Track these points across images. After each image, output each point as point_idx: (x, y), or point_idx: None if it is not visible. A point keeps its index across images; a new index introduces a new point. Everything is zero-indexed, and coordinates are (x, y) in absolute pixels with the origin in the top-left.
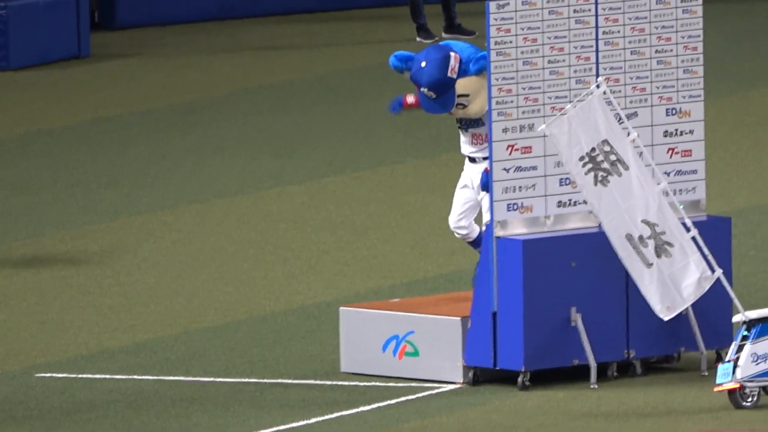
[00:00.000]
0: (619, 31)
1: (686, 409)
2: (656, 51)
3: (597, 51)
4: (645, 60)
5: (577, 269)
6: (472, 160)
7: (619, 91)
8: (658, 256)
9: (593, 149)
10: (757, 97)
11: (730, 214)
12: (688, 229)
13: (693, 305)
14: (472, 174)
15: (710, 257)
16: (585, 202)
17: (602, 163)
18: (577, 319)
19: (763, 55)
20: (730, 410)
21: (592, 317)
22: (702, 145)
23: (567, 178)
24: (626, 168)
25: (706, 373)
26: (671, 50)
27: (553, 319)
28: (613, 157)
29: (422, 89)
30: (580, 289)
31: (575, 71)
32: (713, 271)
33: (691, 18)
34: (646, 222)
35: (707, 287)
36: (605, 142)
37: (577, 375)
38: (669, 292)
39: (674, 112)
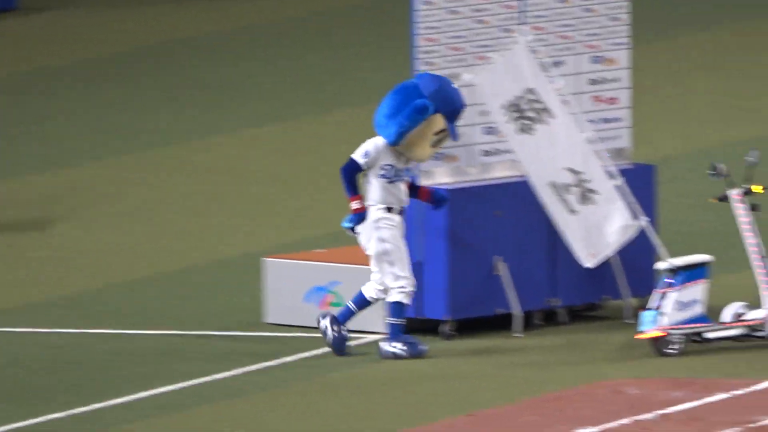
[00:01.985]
0: None
1: (610, 357)
2: None
3: None
4: (570, 8)
5: (501, 218)
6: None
7: (545, 40)
8: (583, 203)
9: (519, 98)
10: (686, 44)
11: (657, 162)
12: (613, 177)
13: (617, 253)
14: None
15: (635, 205)
16: (510, 150)
17: (527, 112)
18: (502, 269)
19: (692, 1)
20: (653, 358)
21: (517, 266)
22: (628, 93)
23: (492, 128)
24: (551, 116)
25: (630, 321)
26: None
27: (478, 269)
28: (538, 106)
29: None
30: (504, 238)
31: (500, 20)
32: (638, 218)
33: None
34: (570, 170)
35: (631, 235)
36: (530, 90)
37: (501, 324)
38: (593, 239)
39: (600, 59)
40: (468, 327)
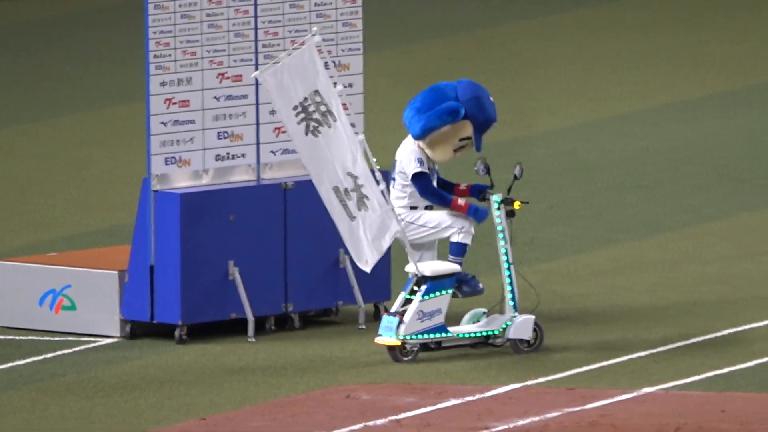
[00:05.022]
0: None
1: (344, 363)
2: (315, 4)
3: (256, 4)
4: (306, 12)
5: (235, 223)
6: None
7: (278, 45)
8: (359, 209)
9: (306, 99)
10: (419, 51)
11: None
12: (378, 182)
13: (350, 259)
14: None
15: (393, 211)
16: (243, 155)
17: (314, 114)
18: (235, 273)
19: (425, 10)
20: (387, 364)
21: (251, 271)
22: (361, 99)
23: (225, 132)
24: (335, 119)
25: (364, 327)
26: (330, 3)
27: (211, 273)
28: (323, 108)
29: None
30: (238, 242)
31: (234, 24)
32: (398, 224)
33: None
34: (350, 174)
35: (390, 241)
36: (317, 92)
37: (235, 328)
38: (367, 244)
39: (334, 64)
40: (202, 331)
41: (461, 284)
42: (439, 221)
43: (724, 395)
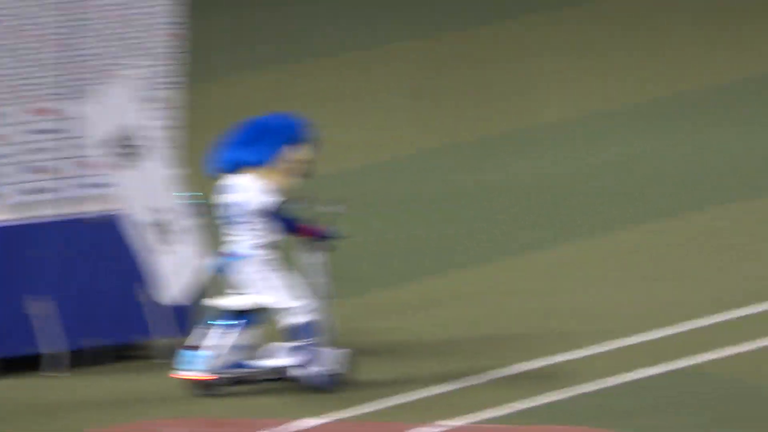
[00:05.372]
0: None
1: (144, 397)
2: (131, 37)
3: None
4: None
5: (36, 256)
6: None
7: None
8: (166, 243)
9: (123, 132)
10: (234, 86)
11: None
12: (187, 217)
13: (150, 293)
14: None
15: (198, 246)
16: (49, 189)
17: (128, 147)
18: (39, 308)
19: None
20: (191, 398)
21: (47, 304)
22: (178, 132)
23: (38, 166)
24: (148, 151)
25: (163, 361)
26: (144, 36)
27: (10, 306)
28: (139, 142)
29: None
30: (36, 275)
31: (41, 57)
32: (203, 257)
33: None
34: (159, 209)
35: (194, 275)
36: (133, 126)
37: (32, 363)
38: (171, 278)
39: (150, 98)
40: (9, 366)
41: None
42: (283, 283)
43: (529, 429)
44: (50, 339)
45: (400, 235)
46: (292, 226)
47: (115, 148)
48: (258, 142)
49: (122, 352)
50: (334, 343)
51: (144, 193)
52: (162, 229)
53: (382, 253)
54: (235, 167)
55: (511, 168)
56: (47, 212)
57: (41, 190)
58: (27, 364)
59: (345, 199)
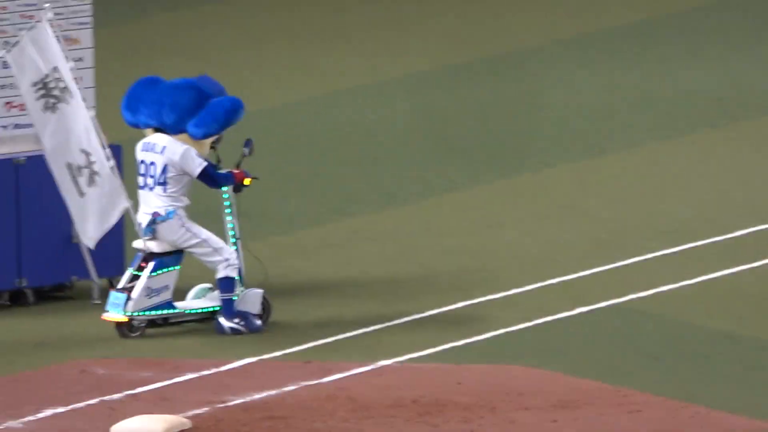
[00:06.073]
0: None
1: (79, 338)
2: None
3: None
4: None
5: None
6: None
7: (7, 19)
8: (89, 185)
9: (47, 75)
10: (150, 25)
11: (123, 143)
12: (108, 158)
13: (78, 235)
14: None
15: (121, 186)
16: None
17: (53, 90)
18: None
19: None
20: (116, 340)
21: None
22: (91, 73)
23: None
24: (71, 96)
25: (99, 301)
26: None
27: None
28: (62, 84)
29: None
30: None
31: None
32: (124, 200)
33: None
34: (83, 151)
35: (118, 217)
36: (55, 69)
37: None
38: (94, 221)
39: (63, 39)
40: None
41: (243, 319)
42: (209, 237)
43: (460, 367)
44: None
45: (325, 173)
46: (229, 177)
47: (40, 90)
48: (201, 116)
49: (51, 293)
50: (255, 285)
51: (69, 135)
52: (85, 170)
53: (306, 191)
54: (173, 131)
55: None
56: None
57: None
58: None
59: (251, 138)
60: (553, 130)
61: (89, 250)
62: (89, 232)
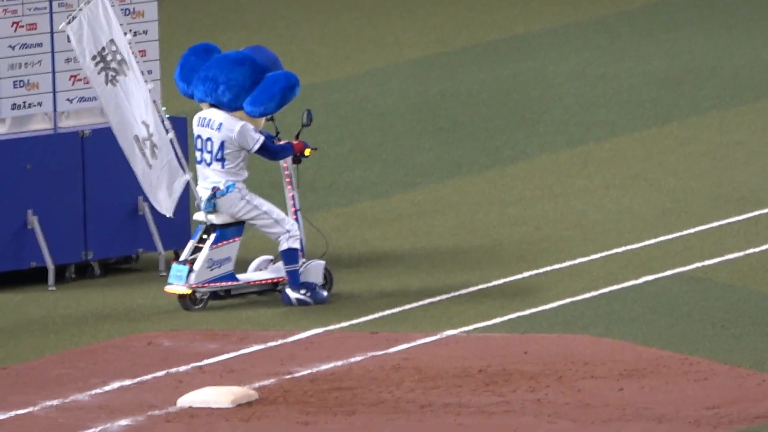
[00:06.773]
0: None
1: (145, 310)
2: None
3: None
4: None
5: (33, 171)
6: None
7: None
8: (153, 156)
9: (104, 48)
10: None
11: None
12: (167, 131)
13: (150, 206)
14: None
15: (181, 159)
16: (40, 104)
17: (111, 63)
18: (34, 222)
19: None
20: (180, 312)
21: (49, 219)
22: (156, 46)
23: (21, 81)
24: (129, 68)
25: (164, 274)
26: None
27: (10, 223)
28: (119, 57)
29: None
30: (36, 191)
31: None
32: (185, 172)
33: None
34: (144, 123)
35: (181, 189)
36: (112, 41)
37: (34, 277)
38: (164, 191)
39: (128, 12)
40: (2, 280)
41: (309, 290)
42: (270, 209)
43: (527, 336)
44: (53, 252)
45: (392, 144)
46: (287, 148)
47: (99, 64)
48: (257, 93)
49: (117, 266)
50: (317, 256)
51: (131, 107)
52: (147, 142)
53: (373, 162)
54: (229, 109)
55: (503, 72)
56: (41, 126)
57: (31, 105)
58: (25, 277)
59: (309, 108)
60: (619, 100)
61: (155, 222)
62: (163, 202)
